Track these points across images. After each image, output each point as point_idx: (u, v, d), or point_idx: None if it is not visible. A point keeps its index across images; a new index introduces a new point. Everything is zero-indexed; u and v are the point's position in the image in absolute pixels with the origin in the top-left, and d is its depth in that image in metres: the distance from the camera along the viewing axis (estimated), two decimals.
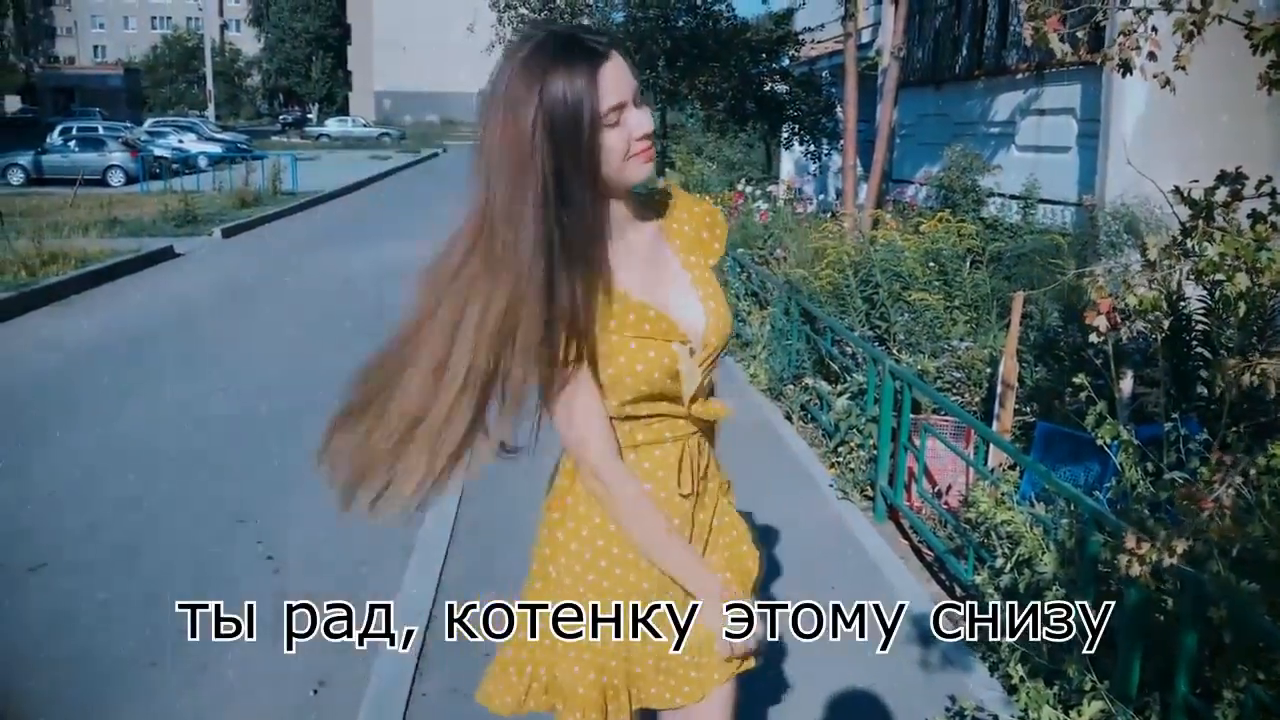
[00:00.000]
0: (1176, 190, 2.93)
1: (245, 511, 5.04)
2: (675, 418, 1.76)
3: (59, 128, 30.73)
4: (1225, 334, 4.59)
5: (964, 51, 12.31)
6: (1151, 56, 2.45)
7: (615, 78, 1.57)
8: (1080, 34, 2.39)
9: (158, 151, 29.21)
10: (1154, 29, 2.39)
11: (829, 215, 11.26)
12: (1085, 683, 2.80)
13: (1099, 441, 3.36)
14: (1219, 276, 2.48)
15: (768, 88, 16.24)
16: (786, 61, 17.34)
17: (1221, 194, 2.87)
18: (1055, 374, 5.01)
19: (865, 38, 16.43)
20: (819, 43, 17.53)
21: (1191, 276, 2.50)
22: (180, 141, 34.61)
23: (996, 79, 11.19)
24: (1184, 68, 2.46)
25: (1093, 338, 2.54)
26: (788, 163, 19.81)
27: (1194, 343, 4.82)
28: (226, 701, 3.48)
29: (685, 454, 1.79)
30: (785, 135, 16.47)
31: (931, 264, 6.54)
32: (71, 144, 27.82)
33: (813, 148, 16.67)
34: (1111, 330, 2.54)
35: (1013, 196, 9.43)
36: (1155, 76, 2.48)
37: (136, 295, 11.32)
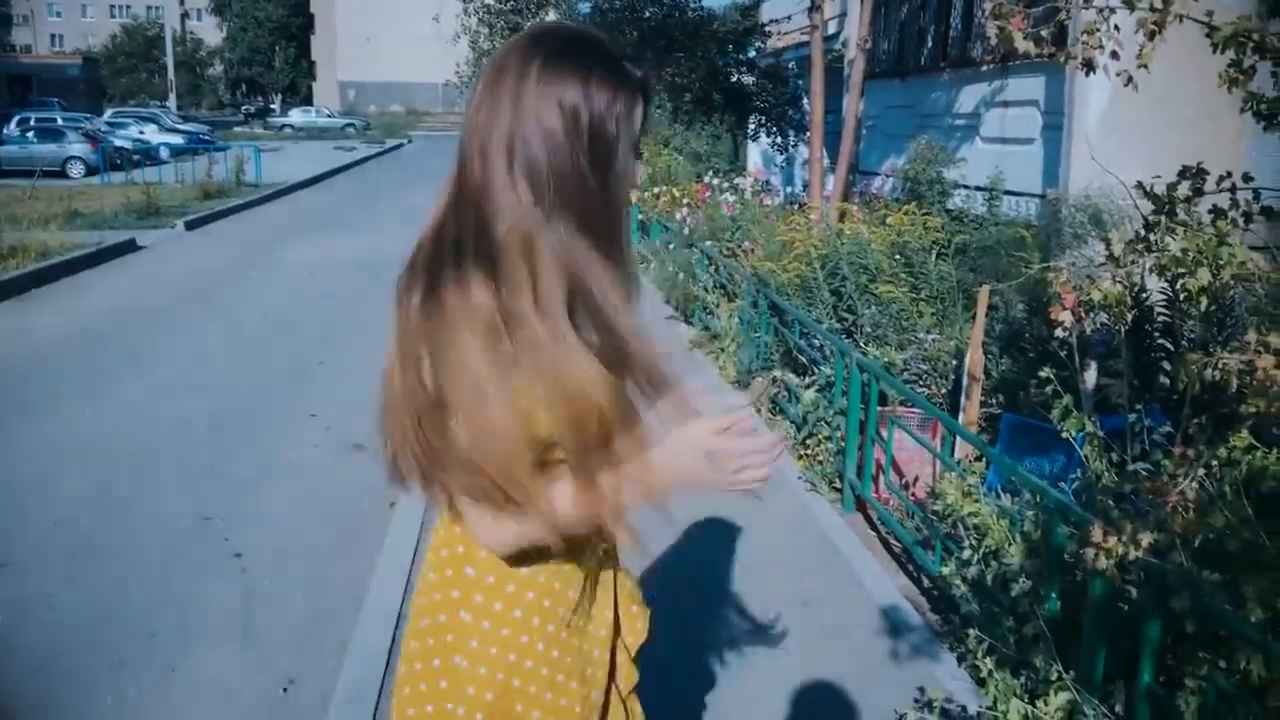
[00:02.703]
0: (1140, 185, 2.97)
1: (210, 509, 5.00)
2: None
3: (16, 118, 30.24)
4: (1187, 326, 4.65)
5: (929, 44, 12.38)
6: (1114, 55, 2.48)
7: (639, 113, 1.47)
8: (1044, 32, 2.41)
9: (118, 142, 28.83)
10: (1116, 27, 2.41)
11: (796, 207, 11.29)
12: (1051, 673, 2.84)
13: (1064, 434, 3.40)
14: (1181, 271, 2.52)
15: (734, 79, 16.25)
16: (753, 53, 17.36)
17: (1183, 189, 2.91)
18: (1021, 366, 5.05)
19: (832, 29, 16.47)
20: (785, 34, 17.57)
21: (1154, 271, 2.53)
22: (141, 132, 34.19)
23: (961, 71, 11.26)
24: (1146, 66, 2.49)
25: (1059, 332, 2.57)
26: (754, 154, 19.84)
27: (1156, 335, 4.88)
28: (196, 701, 3.45)
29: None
30: (752, 127, 16.50)
31: (898, 256, 6.57)
32: (29, 135, 27.46)
33: (779, 139, 16.71)
34: (1076, 324, 2.57)
35: (978, 188, 9.50)
36: (1119, 75, 2.51)
37: (98, 289, 11.19)
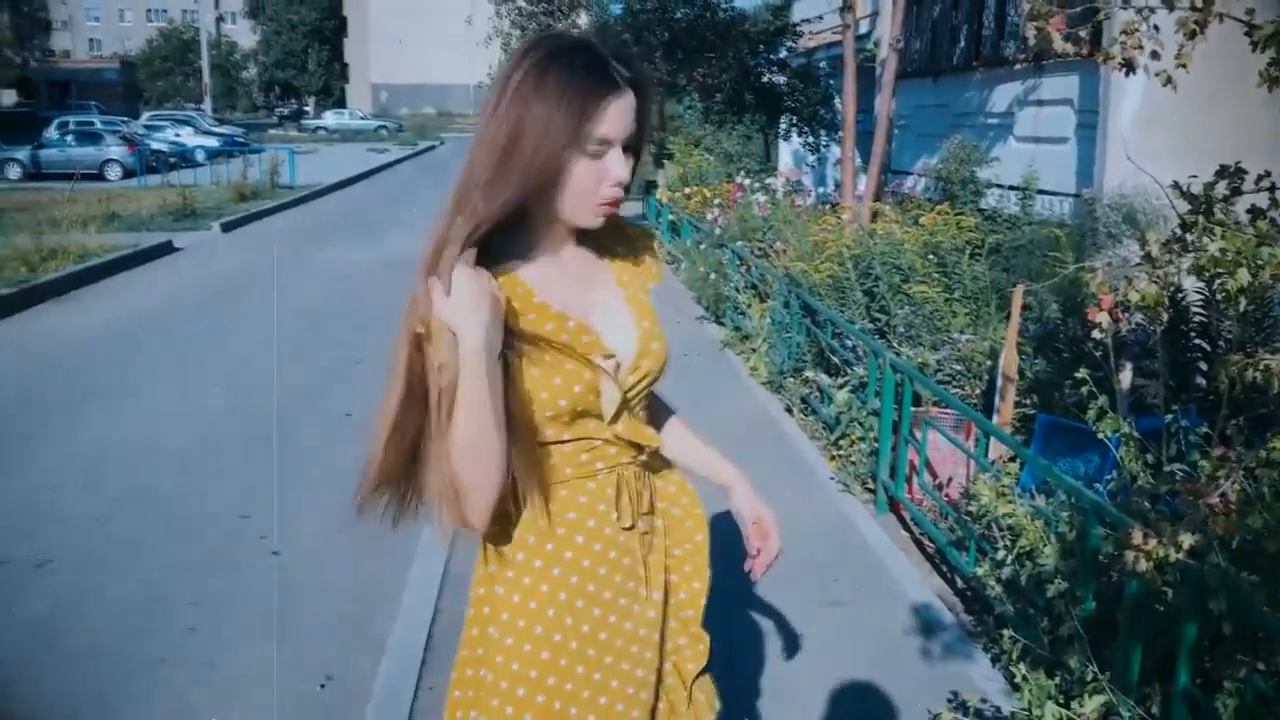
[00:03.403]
0: (1176, 185, 2.95)
1: (248, 506, 5.06)
2: (601, 443, 1.63)
3: (55, 122, 30.67)
4: (1223, 326, 4.62)
5: (962, 42, 12.31)
6: (1155, 56, 2.47)
7: (619, 113, 1.52)
8: (1082, 33, 2.41)
9: (155, 145, 29.20)
10: (1156, 27, 2.40)
11: (828, 207, 11.26)
12: (1087, 674, 2.83)
13: (1099, 434, 3.39)
14: (1220, 271, 2.51)
15: (766, 79, 16.23)
16: (784, 53, 17.33)
17: (1220, 189, 2.89)
18: (1055, 366, 5.03)
19: (864, 28, 16.42)
20: (817, 34, 17.52)
21: (1191, 271, 2.51)
22: (177, 135, 34.58)
23: (994, 70, 11.19)
24: (1185, 66, 2.48)
25: (1095, 333, 2.57)
26: (786, 154, 19.80)
27: (1193, 335, 4.84)
28: (235, 696, 3.50)
29: (622, 485, 1.66)
30: (784, 127, 16.47)
31: (931, 256, 6.56)
32: (68, 138, 27.81)
33: (811, 139, 16.67)
34: (1113, 325, 2.57)
35: (1011, 188, 9.45)
36: (1158, 75, 2.50)
37: (136, 290, 11.33)
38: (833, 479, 5.39)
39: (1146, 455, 3.74)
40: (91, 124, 30.91)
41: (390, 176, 30.00)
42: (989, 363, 5.34)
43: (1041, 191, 9.41)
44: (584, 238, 1.70)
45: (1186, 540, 2.17)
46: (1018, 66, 10.55)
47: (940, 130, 12.05)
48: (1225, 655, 2.55)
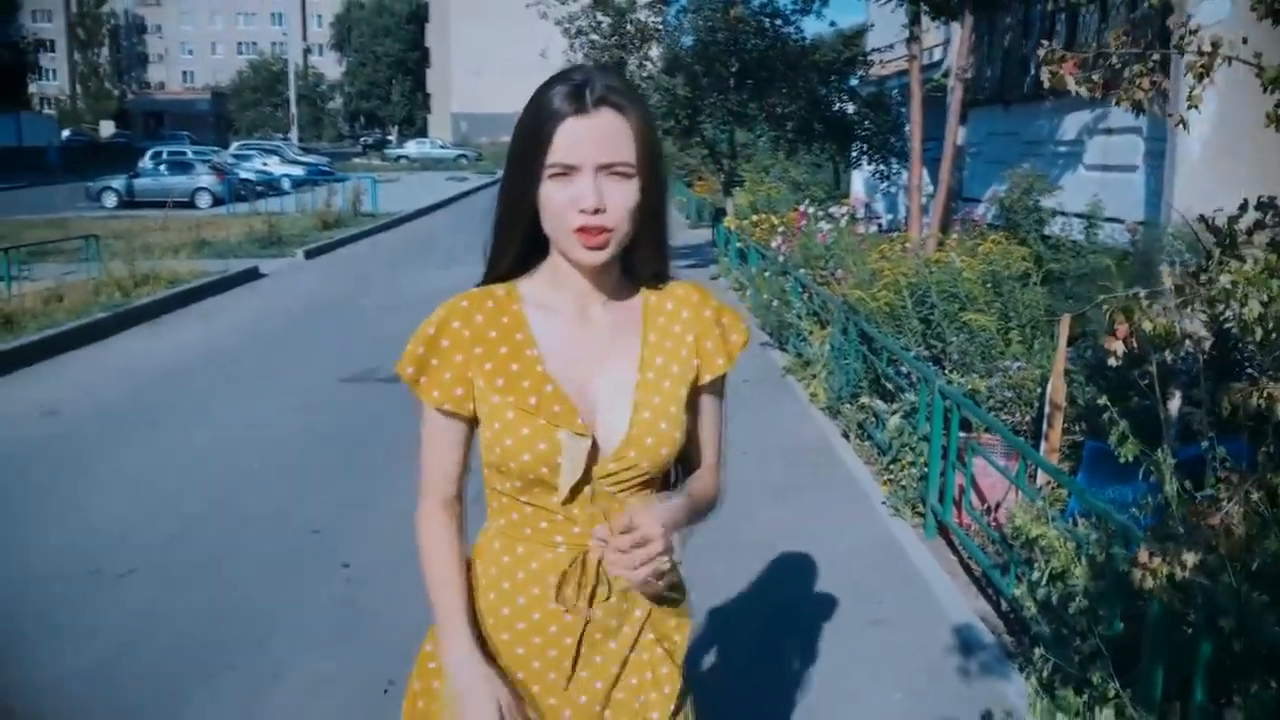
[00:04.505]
0: (1202, 219, 3.06)
1: (320, 523, 5.31)
2: (562, 518, 1.58)
3: (150, 152, 31.86)
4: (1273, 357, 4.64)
5: (1031, 71, 12.33)
6: (1164, 95, 2.60)
7: (583, 136, 1.47)
8: (1095, 76, 2.54)
9: (243, 175, 30.16)
10: (1160, 68, 2.53)
11: (894, 235, 11.34)
12: (1109, 690, 2.92)
13: (1120, 459, 3.47)
14: (1233, 304, 2.60)
15: (836, 108, 16.33)
16: (855, 81, 17.43)
17: (1247, 221, 2.99)
18: (1105, 393, 5.08)
19: (937, 55, 16.47)
20: (888, 62, 17.59)
21: (1205, 302, 2.62)
22: (265, 164, 35.67)
23: (1064, 98, 11.17)
24: (1196, 107, 2.60)
25: (1111, 361, 2.67)
26: (858, 182, 19.87)
27: (1246, 365, 4.87)
28: (302, 701, 3.71)
29: (576, 568, 1.58)
30: (854, 155, 16.56)
31: (988, 284, 6.63)
32: (161, 168, 28.87)
33: (883, 167, 16.73)
34: (1127, 354, 2.67)
35: (1076, 215, 9.45)
36: (1170, 116, 2.63)
37: (224, 314, 11.81)
38: (884, 503, 5.50)
39: (1185, 482, 3.80)
40: (183, 154, 32.04)
41: (468, 204, 30.60)
42: (1039, 390, 5.41)
43: (1110, 219, 9.40)
44: (634, 299, 1.66)
45: (1190, 559, 2.28)
46: (1087, 95, 10.55)
47: (1011, 158, 12.08)
48: (1237, 671, 2.64)
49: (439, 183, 38.58)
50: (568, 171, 1.48)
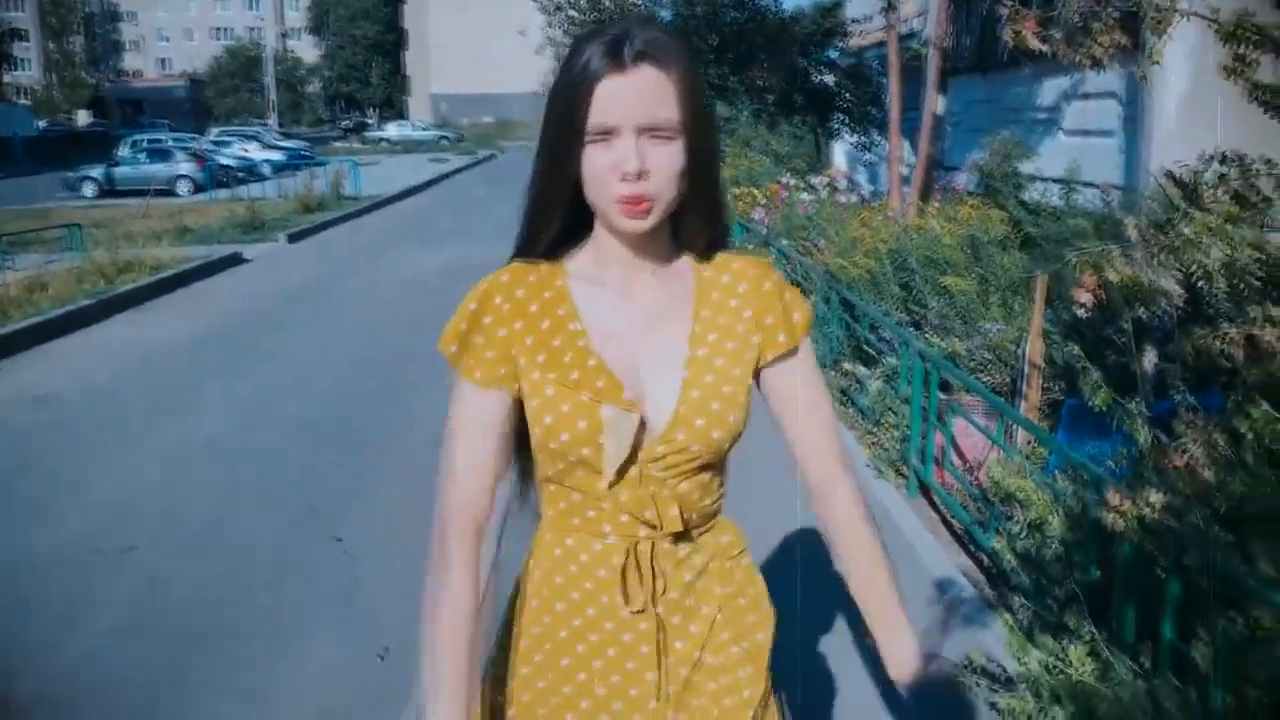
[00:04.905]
0: (1169, 174, 3.14)
1: (317, 504, 5.37)
2: (609, 505, 1.47)
3: (128, 140, 31.68)
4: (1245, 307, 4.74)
5: (1008, 42, 12.38)
6: (1124, 49, 2.66)
7: (623, 94, 1.35)
8: (1057, 34, 2.61)
9: (223, 161, 30.06)
10: (1122, 26, 2.60)
11: (875, 204, 11.42)
12: (1084, 632, 3.02)
13: (1094, 409, 3.56)
14: (1197, 253, 2.68)
15: (816, 80, 16.38)
16: (835, 53, 17.47)
17: (1212, 174, 3.07)
18: (1082, 352, 5.17)
19: (916, 25, 16.50)
20: (867, 33, 17.63)
21: (1169, 253, 2.70)
22: (245, 150, 35.51)
23: (1041, 64, 11.24)
24: (1157, 62, 2.68)
25: (1080, 312, 2.75)
26: (840, 153, 19.93)
27: (1218, 318, 4.96)
28: (300, 669, 3.79)
29: (632, 559, 1.47)
30: (834, 126, 16.62)
31: (967, 250, 6.72)
32: (141, 156, 28.74)
33: (864, 138, 16.79)
34: (1102, 311, 2.76)
35: (1054, 180, 9.53)
36: (1133, 71, 2.69)
37: (209, 300, 11.82)
38: (868, 465, 5.59)
39: (1160, 434, 3.90)
40: (162, 141, 31.90)
41: (451, 186, 30.56)
42: (1018, 350, 5.50)
43: (1087, 184, 9.48)
44: (687, 272, 1.54)
45: (1157, 499, 2.37)
46: (1064, 61, 10.61)
47: (991, 126, 12.12)
48: (1204, 608, 2.73)
49: (421, 164, 38.46)
50: (607, 135, 1.36)
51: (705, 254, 1.54)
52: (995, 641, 3.65)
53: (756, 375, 1.52)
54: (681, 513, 1.47)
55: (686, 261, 1.54)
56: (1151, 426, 3.89)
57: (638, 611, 1.47)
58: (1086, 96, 10.36)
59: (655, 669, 1.50)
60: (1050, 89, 11.20)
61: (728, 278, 1.53)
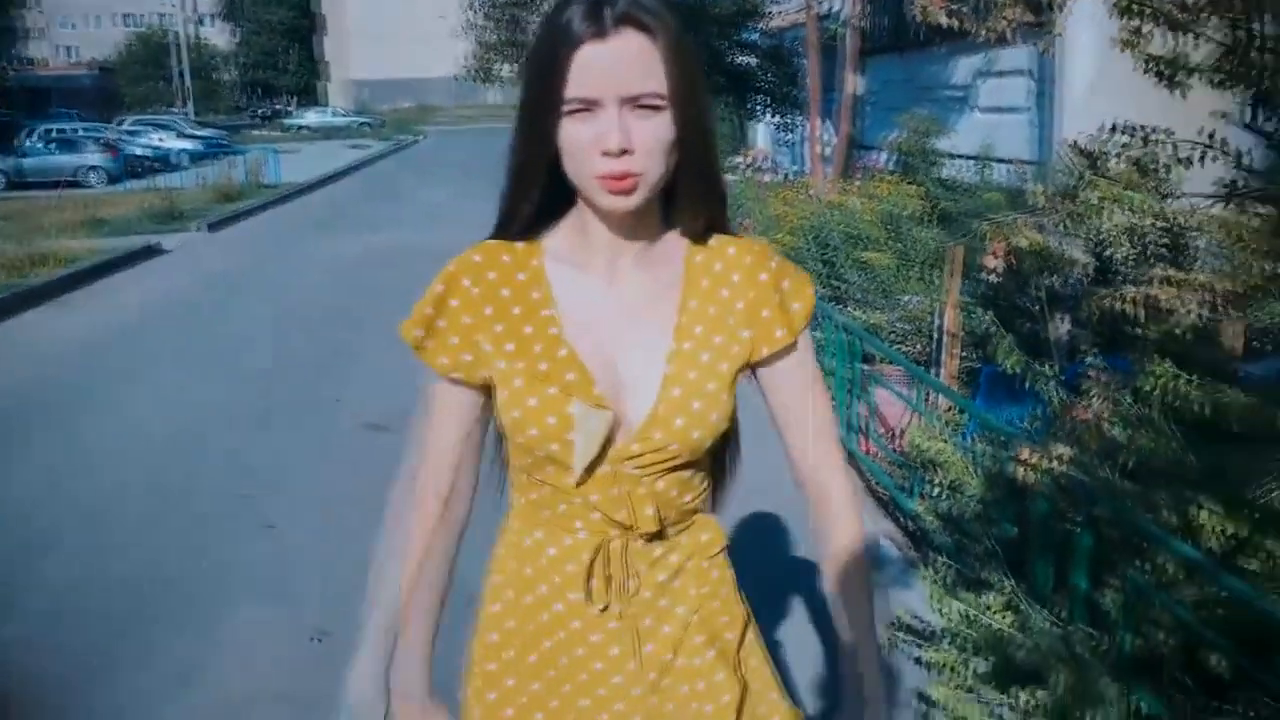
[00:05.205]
0: (1074, 144, 3.27)
1: (247, 487, 5.34)
2: (573, 499, 1.39)
3: (35, 130, 30.78)
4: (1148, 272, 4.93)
5: (917, 18, 12.59)
6: (1030, 25, 2.78)
7: (603, 64, 1.24)
8: (964, 8, 2.71)
9: (137, 151, 29.36)
10: (1026, 2, 2.71)
11: (796, 183, 11.57)
12: (1004, 586, 3.15)
13: (1007, 370, 3.70)
14: (1100, 218, 2.81)
15: (736, 61, 16.48)
16: (755, 35, 17.59)
17: (1115, 144, 3.21)
18: (996, 320, 5.34)
19: (834, 5, 16.70)
20: (786, 14, 17.78)
21: (1073, 218, 2.83)
22: (160, 139, 34.71)
23: (957, 43, 11.48)
24: (1059, 34, 2.79)
25: (991, 278, 2.87)
26: (763, 134, 20.09)
27: (1122, 282, 5.16)
28: (233, 652, 3.80)
29: (603, 556, 1.40)
30: (754, 107, 16.74)
31: (888, 225, 6.87)
32: (50, 146, 27.94)
33: (787, 119, 16.95)
34: (1007, 270, 2.88)
35: (969, 157, 9.75)
36: (1036, 45, 2.81)
37: (126, 292, 11.59)
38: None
39: (1070, 396, 4.06)
40: (72, 131, 31.02)
41: (373, 172, 30.21)
42: (935, 321, 5.65)
43: (1002, 160, 9.72)
44: (676, 258, 1.42)
45: (1065, 453, 2.48)
46: (979, 39, 10.83)
47: (907, 105, 12.32)
48: (1113, 559, 2.87)
49: (341, 151, 37.92)
50: (588, 107, 1.25)
51: (701, 237, 1.42)
52: (919, 600, 3.77)
53: (752, 370, 1.43)
54: (658, 511, 1.38)
55: (677, 244, 1.42)
56: (1063, 389, 4.05)
57: (604, 610, 1.41)
58: (1001, 75, 10.61)
59: (623, 672, 1.43)
60: (964, 68, 11.45)
61: (720, 265, 1.42)
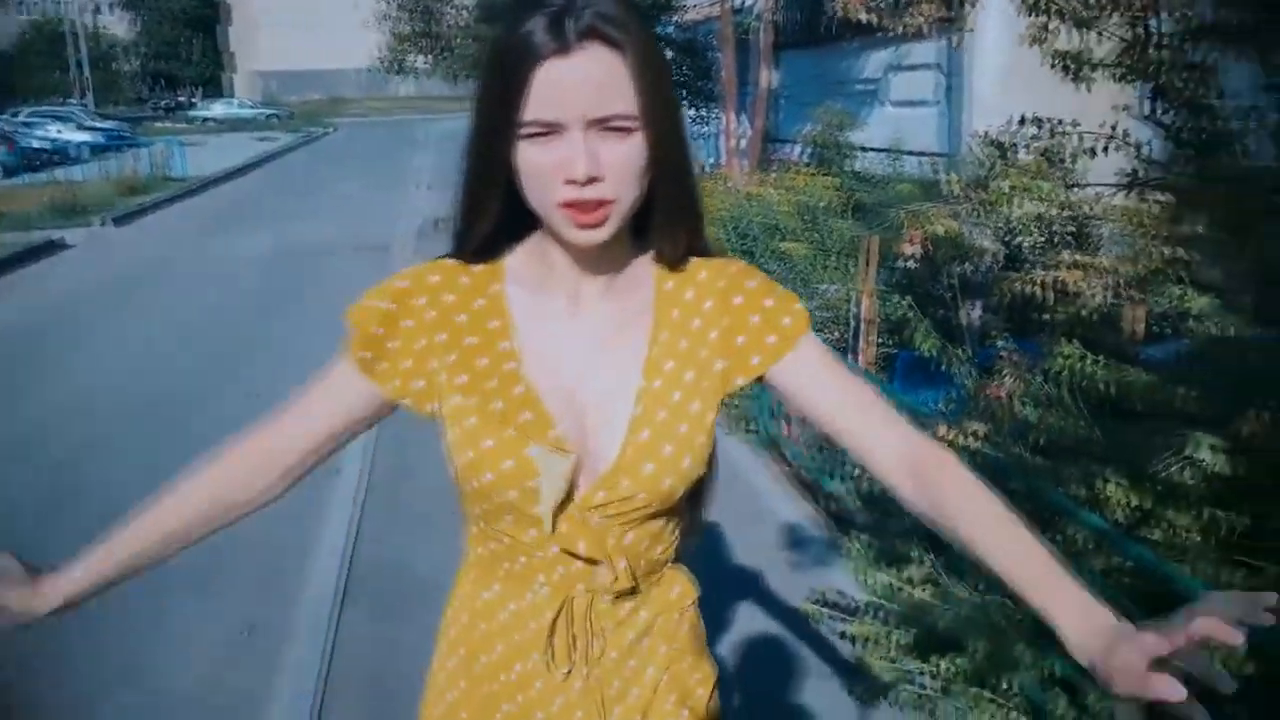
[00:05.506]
0: (985, 135, 3.41)
1: (162, 484, 5.25)
2: (534, 552, 1.25)
3: None
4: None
5: (836, 13, 12.82)
6: (944, 21, 2.90)
7: (559, 85, 1.10)
8: (881, 3, 2.81)
9: (34, 143, 28.47)
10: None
11: (714, 175, 11.70)
12: (923, 561, 3.28)
13: (923, 354, 3.84)
14: (1010, 207, 2.95)
15: None
16: (670, 29, 17.69)
17: (1024, 135, 3.35)
18: (912, 308, 5.51)
19: (749, 0, 16.86)
20: (700, 8, 17.91)
21: (985, 206, 2.95)
22: (58, 131, 33.67)
23: (868, 38, 11.71)
24: (971, 29, 2.91)
25: (909, 264, 2.98)
26: None
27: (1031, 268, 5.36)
28: (167, 646, 3.77)
29: (566, 615, 1.26)
30: None
31: (805, 217, 7.01)
32: None
33: (699, 112, 17.08)
34: (922, 258, 3.00)
35: (881, 150, 9.97)
36: (951, 40, 2.92)
37: (29, 288, 11.29)
38: (718, 425, 5.80)
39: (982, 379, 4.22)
40: None
41: (283, 164, 29.72)
42: (852, 309, 5.79)
43: (913, 153, 9.95)
44: (645, 282, 1.29)
45: (978, 429, 2.61)
46: (889, 34, 11.08)
47: (820, 99, 12.53)
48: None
49: (249, 144, 37.17)
50: (549, 130, 1.12)
51: (675, 263, 1.29)
52: (842, 578, 3.90)
53: (776, 393, 1.31)
54: (629, 566, 1.25)
55: (646, 270, 1.29)
56: (976, 371, 4.21)
57: (567, 674, 1.28)
58: (913, 69, 10.84)
59: None
60: (875, 62, 11.67)
61: (692, 293, 1.28)
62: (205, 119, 56.24)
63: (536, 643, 1.27)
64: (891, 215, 6.84)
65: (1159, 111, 2.88)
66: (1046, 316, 2.92)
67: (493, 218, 1.23)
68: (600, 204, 1.13)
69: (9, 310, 10.07)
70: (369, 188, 18.69)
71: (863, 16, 2.79)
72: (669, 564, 1.34)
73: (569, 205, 1.13)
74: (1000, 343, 4.41)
